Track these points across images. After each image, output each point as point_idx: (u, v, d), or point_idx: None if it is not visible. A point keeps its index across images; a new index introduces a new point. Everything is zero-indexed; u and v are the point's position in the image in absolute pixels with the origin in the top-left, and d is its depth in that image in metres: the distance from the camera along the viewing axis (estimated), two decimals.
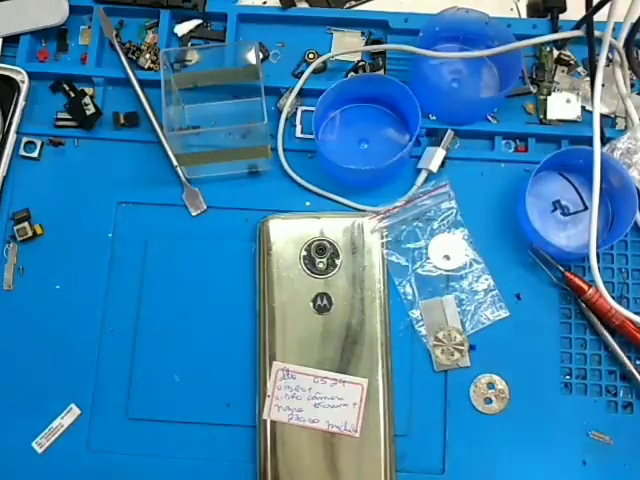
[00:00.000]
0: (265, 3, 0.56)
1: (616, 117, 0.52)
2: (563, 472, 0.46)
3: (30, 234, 0.50)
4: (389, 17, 0.54)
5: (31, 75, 0.53)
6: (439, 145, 0.50)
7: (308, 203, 0.51)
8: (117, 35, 0.54)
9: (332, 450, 0.45)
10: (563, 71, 0.54)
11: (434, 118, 0.52)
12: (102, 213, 0.50)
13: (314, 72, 0.53)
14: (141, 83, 0.52)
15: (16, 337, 0.48)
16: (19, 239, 0.50)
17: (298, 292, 0.47)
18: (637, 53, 0.53)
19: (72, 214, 0.51)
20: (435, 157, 0.50)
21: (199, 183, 0.51)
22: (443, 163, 0.51)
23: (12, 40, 0.54)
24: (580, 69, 0.54)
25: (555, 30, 0.53)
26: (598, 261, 0.45)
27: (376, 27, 0.55)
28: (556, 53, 0.54)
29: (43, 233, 0.50)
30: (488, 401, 0.47)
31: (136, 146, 0.52)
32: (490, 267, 0.49)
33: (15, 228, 0.50)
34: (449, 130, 0.51)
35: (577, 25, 0.51)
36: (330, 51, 0.54)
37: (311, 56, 0.54)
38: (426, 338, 0.48)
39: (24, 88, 0.52)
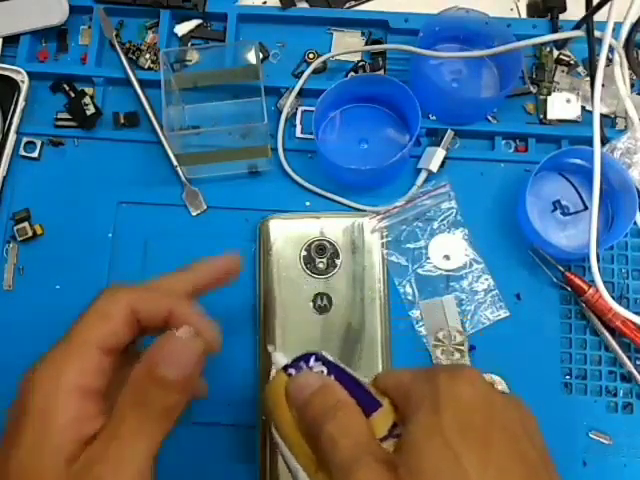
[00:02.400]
0: (265, 3, 0.56)
1: (616, 117, 0.52)
2: (563, 472, 0.46)
3: (30, 234, 0.50)
4: (389, 17, 0.54)
5: (31, 75, 0.53)
6: (439, 145, 0.50)
7: (308, 203, 0.51)
8: (117, 35, 0.54)
9: None
10: (563, 71, 0.54)
11: (434, 118, 0.52)
12: (102, 213, 0.50)
13: (314, 72, 0.53)
14: (141, 83, 0.52)
15: (16, 337, 0.48)
16: (19, 239, 0.50)
17: (298, 292, 0.47)
18: (637, 53, 0.53)
19: (72, 214, 0.51)
20: (435, 157, 0.50)
21: (199, 183, 0.51)
22: (443, 163, 0.51)
23: (12, 40, 0.54)
24: (580, 69, 0.54)
25: (555, 30, 0.53)
26: (598, 261, 0.45)
27: (376, 27, 0.55)
28: (556, 53, 0.54)
29: (43, 233, 0.50)
30: None
31: (136, 146, 0.52)
32: (490, 267, 0.49)
33: (15, 228, 0.50)
34: (449, 130, 0.51)
35: (577, 25, 0.51)
36: (330, 51, 0.54)
37: (311, 56, 0.54)
38: (426, 338, 0.48)
39: (24, 88, 0.52)
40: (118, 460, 0.29)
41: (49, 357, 0.32)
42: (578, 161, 0.49)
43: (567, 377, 0.47)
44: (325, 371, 0.32)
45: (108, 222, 0.50)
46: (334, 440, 0.28)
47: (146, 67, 0.53)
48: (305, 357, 0.33)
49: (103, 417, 0.30)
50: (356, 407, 0.30)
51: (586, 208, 0.50)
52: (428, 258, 0.49)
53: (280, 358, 0.34)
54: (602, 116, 0.49)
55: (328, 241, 0.48)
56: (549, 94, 0.53)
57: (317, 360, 0.32)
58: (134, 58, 0.53)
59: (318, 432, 0.29)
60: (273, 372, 0.34)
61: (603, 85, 0.49)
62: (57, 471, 0.28)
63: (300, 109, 0.52)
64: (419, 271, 0.49)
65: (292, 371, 0.32)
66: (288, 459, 0.31)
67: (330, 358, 0.33)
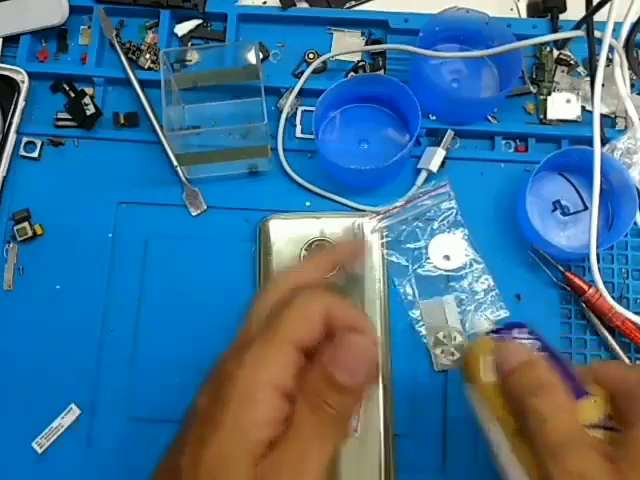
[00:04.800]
0: (265, 3, 0.56)
1: (616, 117, 0.52)
2: None
3: (30, 234, 0.50)
4: (389, 17, 0.54)
5: (31, 75, 0.53)
6: (439, 145, 0.50)
7: (308, 203, 0.51)
8: (117, 35, 0.54)
9: None
10: (563, 71, 0.54)
11: (434, 118, 0.52)
12: (102, 213, 0.50)
13: (314, 72, 0.53)
14: (141, 83, 0.52)
15: (16, 337, 0.48)
16: (19, 239, 0.50)
17: None
18: (637, 53, 0.53)
19: (72, 214, 0.51)
20: (435, 157, 0.50)
21: (199, 183, 0.51)
22: (443, 163, 0.51)
23: (12, 40, 0.54)
24: (580, 69, 0.54)
25: (555, 30, 0.53)
26: (598, 261, 0.45)
27: (376, 27, 0.55)
28: (556, 53, 0.54)
29: (43, 233, 0.50)
30: None
31: (136, 146, 0.52)
32: (490, 267, 0.49)
33: (15, 228, 0.50)
34: (449, 130, 0.51)
35: (577, 25, 0.51)
36: (330, 51, 0.54)
37: (311, 56, 0.54)
38: (426, 338, 0.48)
39: (24, 88, 0.52)
40: (297, 465, 0.28)
41: (250, 351, 0.30)
42: (578, 161, 0.49)
43: None
44: (537, 346, 0.32)
45: (108, 222, 0.50)
46: (543, 418, 0.29)
47: (146, 67, 0.53)
48: (516, 325, 0.33)
49: (286, 421, 0.29)
50: (565, 389, 0.30)
51: (586, 208, 0.50)
52: (428, 258, 0.49)
53: (483, 323, 0.36)
54: (602, 116, 0.49)
55: (328, 241, 0.48)
56: (549, 94, 0.53)
57: (530, 333, 0.33)
58: (134, 58, 0.53)
59: (522, 404, 0.30)
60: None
61: (603, 85, 0.49)
62: (246, 470, 0.28)
63: (300, 109, 0.52)
64: (419, 271, 0.49)
65: (501, 336, 0.33)
66: (485, 419, 0.33)
67: (541, 334, 0.33)
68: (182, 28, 0.54)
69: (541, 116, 0.52)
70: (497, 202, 0.51)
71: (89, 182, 0.51)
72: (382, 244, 0.49)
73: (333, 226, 0.49)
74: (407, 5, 0.54)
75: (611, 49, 0.49)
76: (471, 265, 0.49)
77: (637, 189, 0.47)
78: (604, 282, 0.45)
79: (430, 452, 0.46)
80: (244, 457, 0.28)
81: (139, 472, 0.46)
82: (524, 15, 0.56)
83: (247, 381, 0.29)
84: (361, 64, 0.54)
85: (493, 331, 0.34)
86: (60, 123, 0.52)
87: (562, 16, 0.54)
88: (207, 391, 0.30)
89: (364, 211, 0.50)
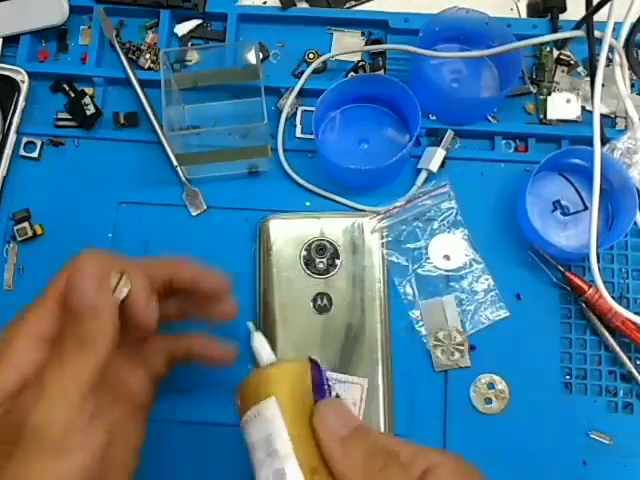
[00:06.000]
0: (265, 3, 0.56)
1: (616, 117, 0.52)
2: (563, 472, 0.46)
3: (30, 234, 0.50)
4: (389, 17, 0.54)
5: (31, 75, 0.53)
6: (439, 145, 0.50)
7: (308, 203, 0.51)
8: (117, 35, 0.54)
9: None
10: (563, 71, 0.54)
11: (434, 118, 0.52)
12: (102, 213, 0.50)
13: (314, 72, 0.53)
14: (141, 83, 0.52)
15: None
16: (19, 239, 0.50)
17: (298, 292, 0.47)
18: (637, 53, 0.53)
19: (72, 214, 0.51)
20: (435, 157, 0.50)
21: (199, 183, 0.51)
22: (443, 163, 0.51)
23: (12, 40, 0.54)
24: (580, 69, 0.54)
25: (555, 30, 0.53)
26: (598, 261, 0.45)
27: (376, 27, 0.55)
28: (556, 53, 0.54)
29: (43, 233, 0.50)
30: (488, 401, 0.47)
31: (136, 146, 0.52)
32: (490, 267, 0.49)
33: (15, 228, 0.50)
34: (449, 130, 0.51)
35: (577, 25, 0.51)
36: (330, 51, 0.54)
37: (311, 56, 0.54)
38: (426, 338, 0.48)
39: (24, 88, 0.52)
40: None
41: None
42: (578, 161, 0.49)
43: (567, 377, 0.47)
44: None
45: (108, 222, 0.50)
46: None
47: (146, 67, 0.53)
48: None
49: None
50: None
51: (586, 208, 0.50)
52: (428, 258, 0.49)
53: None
54: (602, 116, 0.49)
55: (328, 241, 0.48)
56: (549, 94, 0.53)
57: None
58: (134, 58, 0.53)
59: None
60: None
61: (603, 85, 0.49)
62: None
63: (300, 109, 0.52)
64: (419, 271, 0.49)
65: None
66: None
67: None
68: (182, 28, 0.54)
69: (541, 116, 0.52)
70: (497, 202, 0.51)
71: (89, 182, 0.51)
72: (382, 244, 0.49)
73: (333, 226, 0.49)
74: (407, 5, 0.54)
75: (611, 49, 0.49)
76: (471, 265, 0.49)
77: (637, 189, 0.47)
78: (604, 282, 0.45)
79: None
80: None
81: (139, 472, 0.46)
82: (524, 15, 0.56)
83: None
84: (361, 64, 0.54)
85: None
86: (60, 123, 0.52)
87: (562, 16, 0.54)
88: None
89: (364, 211, 0.50)
